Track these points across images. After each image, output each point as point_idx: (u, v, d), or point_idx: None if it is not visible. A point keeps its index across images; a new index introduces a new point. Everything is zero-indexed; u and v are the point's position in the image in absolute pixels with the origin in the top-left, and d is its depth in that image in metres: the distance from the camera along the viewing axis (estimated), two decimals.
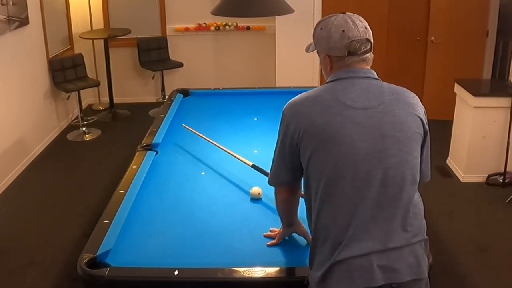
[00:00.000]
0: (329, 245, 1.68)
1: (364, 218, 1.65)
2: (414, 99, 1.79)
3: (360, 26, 1.75)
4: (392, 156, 1.66)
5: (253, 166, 2.78)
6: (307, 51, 1.93)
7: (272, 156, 1.90)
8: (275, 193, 1.99)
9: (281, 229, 2.18)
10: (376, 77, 1.80)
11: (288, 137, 1.76)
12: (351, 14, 1.80)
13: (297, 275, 1.98)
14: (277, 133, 1.84)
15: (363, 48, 1.75)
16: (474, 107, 4.37)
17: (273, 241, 2.19)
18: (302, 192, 1.92)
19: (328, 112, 1.69)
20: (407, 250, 1.67)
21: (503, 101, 4.31)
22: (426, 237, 1.76)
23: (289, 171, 1.84)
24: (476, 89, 4.49)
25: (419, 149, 1.75)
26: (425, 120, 1.77)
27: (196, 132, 3.25)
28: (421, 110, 1.77)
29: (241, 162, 2.92)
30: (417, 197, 1.76)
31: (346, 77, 1.75)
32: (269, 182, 1.95)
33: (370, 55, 1.79)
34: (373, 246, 1.64)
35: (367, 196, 1.65)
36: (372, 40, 1.78)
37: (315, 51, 1.86)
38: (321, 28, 1.80)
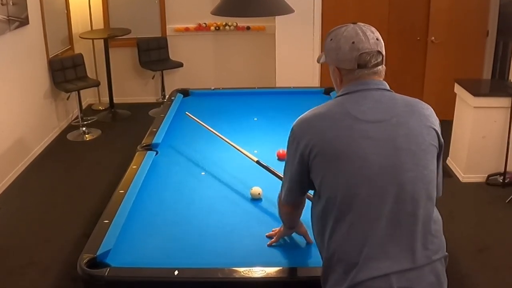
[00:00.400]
0: (343, 265, 1.61)
1: (380, 237, 1.57)
2: (428, 110, 1.72)
3: (371, 38, 1.68)
4: (408, 170, 1.60)
5: (258, 162, 2.75)
6: (318, 61, 1.88)
7: (283, 173, 1.85)
8: (280, 205, 1.96)
9: (281, 228, 2.17)
10: (389, 88, 1.73)
11: (298, 155, 1.69)
12: (362, 24, 1.72)
13: (297, 275, 1.98)
14: (287, 150, 1.77)
15: (374, 61, 1.68)
16: (474, 107, 4.37)
17: (272, 239, 2.19)
18: (309, 194, 1.89)
19: (338, 127, 1.63)
20: (427, 269, 1.60)
21: (503, 101, 4.31)
22: (446, 253, 1.70)
23: (300, 190, 1.80)
24: (476, 89, 4.49)
25: (435, 162, 1.68)
26: (440, 132, 1.70)
27: (200, 121, 3.19)
28: (436, 121, 1.71)
29: (244, 158, 2.91)
30: (436, 212, 1.69)
31: (357, 90, 1.69)
32: (282, 202, 1.90)
33: (381, 68, 1.71)
34: (391, 266, 1.56)
35: (383, 213, 1.58)
36: (383, 52, 1.70)
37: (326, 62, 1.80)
38: (331, 39, 1.73)
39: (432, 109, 1.74)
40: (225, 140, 3.07)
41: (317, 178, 1.67)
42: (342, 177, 1.60)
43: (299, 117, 1.74)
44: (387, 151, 1.60)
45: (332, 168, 1.62)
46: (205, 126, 3.23)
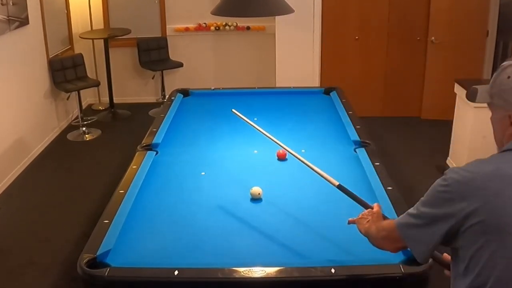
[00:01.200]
0: None
1: None
2: None
3: None
4: None
5: (339, 187, 2.21)
6: (472, 100, 1.49)
7: (417, 207, 1.45)
8: (379, 238, 1.64)
9: (366, 225, 1.79)
10: None
11: (447, 214, 1.34)
12: None
13: (297, 275, 1.98)
14: (426, 199, 1.42)
15: None
16: (474, 107, 4.36)
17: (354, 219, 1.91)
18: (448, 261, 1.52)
19: (506, 192, 1.28)
20: None
21: None
22: None
23: (426, 246, 1.42)
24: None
25: None
26: None
27: (247, 120, 2.82)
28: None
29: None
30: None
31: None
32: (419, 259, 1.46)
33: None
34: None
35: None
36: None
37: (488, 103, 1.44)
38: (509, 77, 1.36)
39: None
40: (279, 144, 2.63)
41: (467, 249, 1.34)
42: (503, 257, 1.27)
43: (459, 169, 1.38)
44: None
45: (492, 243, 1.28)
46: (253, 125, 2.79)
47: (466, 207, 1.31)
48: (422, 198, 1.44)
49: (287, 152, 2.47)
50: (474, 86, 1.48)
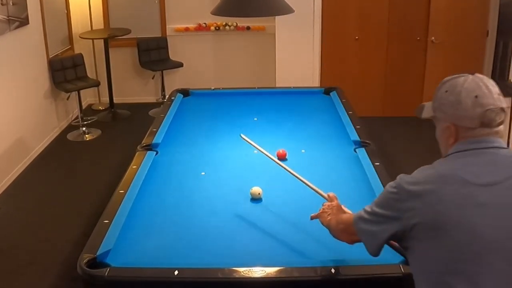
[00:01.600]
0: None
1: None
2: None
3: (494, 92, 1.47)
4: None
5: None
6: (419, 116, 1.61)
7: (371, 207, 1.59)
8: (338, 230, 1.80)
9: (327, 218, 1.94)
10: (504, 145, 1.50)
11: (394, 215, 1.49)
12: (481, 76, 1.51)
13: (297, 275, 1.98)
14: (379, 200, 1.57)
15: (498, 119, 1.46)
16: None
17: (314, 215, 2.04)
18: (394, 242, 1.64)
19: (443, 191, 1.41)
20: None
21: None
22: None
23: (376, 241, 1.57)
24: None
25: None
26: None
27: (255, 145, 2.75)
28: None
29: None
30: None
31: (469, 149, 1.47)
32: (369, 252, 1.61)
33: (503, 127, 1.49)
34: None
35: None
36: (506, 109, 1.49)
37: (432, 116, 1.56)
38: (446, 91, 1.50)
39: None
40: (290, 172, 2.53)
41: (416, 248, 1.46)
42: (443, 252, 1.39)
43: (405, 175, 1.52)
44: (500, 221, 1.38)
45: (432, 240, 1.41)
46: (261, 151, 2.71)
47: (410, 209, 1.44)
48: (376, 199, 1.60)
49: (291, 173, 2.48)
50: (422, 103, 1.63)
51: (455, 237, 1.38)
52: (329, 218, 1.92)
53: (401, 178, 1.52)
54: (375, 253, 1.59)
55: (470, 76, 1.50)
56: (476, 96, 1.45)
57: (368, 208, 1.60)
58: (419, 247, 1.45)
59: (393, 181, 1.54)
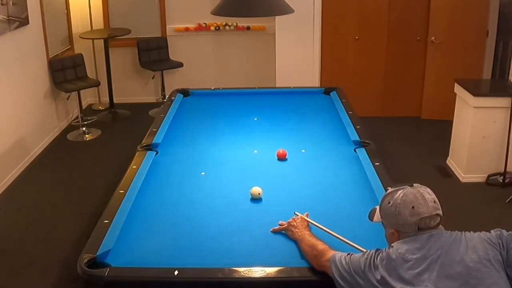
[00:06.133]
0: None
1: None
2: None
3: (430, 200, 1.72)
4: None
5: None
6: (371, 219, 1.90)
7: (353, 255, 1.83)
8: (312, 255, 1.99)
9: (296, 235, 2.17)
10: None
11: (366, 275, 1.73)
12: (419, 186, 1.77)
13: (297, 275, 1.98)
14: (360, 256, 1.79)
15: (433, 223, 1.72)
16: (474, 107, 4.36)
17: (277, 228, 2.27)
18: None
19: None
20: None
21: (503, 101, 4.31)
22: None
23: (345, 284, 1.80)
24: (476, 89, 4.49)
25: None
26: None
27: (316, 224, 2.31)
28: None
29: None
30: None
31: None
32: (325, 263, 1.90)
33: (440, 226, 1.76)
34: None
35: None
36: (441, 213, 1.75)
37: (380, 221, 1.84)
38: (389, 203, 1.77)
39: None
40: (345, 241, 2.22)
41: None
42: None
43: (384, 249, 1.75)
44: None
45: None
46: (322, 228, 2.26)
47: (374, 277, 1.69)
48: (359, 254, 1.81)
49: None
50: (374, 207, 1.90)
51: None
52: (298, 233, 2.14)
53: (378, 250, 1.75)
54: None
55: (409, 188, 1.75)
56: (413, 207, 1.70)
57: (348, 256, 1.81)
58: None
59: (380, 250, 1.75)
